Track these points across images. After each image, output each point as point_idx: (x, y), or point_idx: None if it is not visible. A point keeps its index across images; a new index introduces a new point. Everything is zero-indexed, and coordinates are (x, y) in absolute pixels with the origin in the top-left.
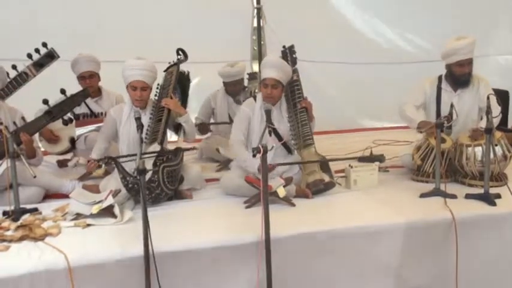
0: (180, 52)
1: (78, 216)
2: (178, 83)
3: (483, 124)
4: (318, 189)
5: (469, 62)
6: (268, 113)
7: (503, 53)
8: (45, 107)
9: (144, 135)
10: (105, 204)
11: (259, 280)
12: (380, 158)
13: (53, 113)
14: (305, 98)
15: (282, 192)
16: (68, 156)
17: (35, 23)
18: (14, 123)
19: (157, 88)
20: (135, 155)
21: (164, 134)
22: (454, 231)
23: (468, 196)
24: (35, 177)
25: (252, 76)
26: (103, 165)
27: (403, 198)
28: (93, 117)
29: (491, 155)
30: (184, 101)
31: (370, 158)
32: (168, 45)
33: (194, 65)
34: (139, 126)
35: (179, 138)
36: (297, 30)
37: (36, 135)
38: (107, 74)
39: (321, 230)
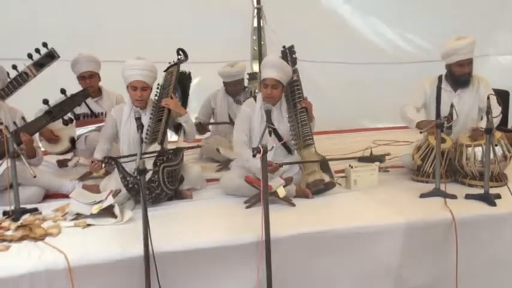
0: (181, 52)
1: (78, 216)
2: (179, 82)
3: (483, 124)
4: (318, 189)
5: (469, 62)
6: (268, 113)
7: (503, 53)
8: (46, 107)
9: (144, 135)
10: (105, 204)
11: (259, 280)
12: (380, 158)
13: (53, 113)
14: (305, 98)
15: (282, 192)
16: (68, 156)
17: (35, 23)
18: (14, 123)
19: (157, 88)
20: (136, 155)
21: (164, 134)
22: (454, 232)
23: (468, 196)
24: (35, 177)
25: (252, 76)
26: (103, 166)
27: (403, 199)
28: (94, 117)
29: (491, 155)
30: (184, 101)
31: (370, 158)
32: (168, 45)
33: (194, 65)
34: (140, 126)
35: (179, 138)
36: (297, 30)
37: (37, 135)
38: (107, 74)
39: (321, 230)
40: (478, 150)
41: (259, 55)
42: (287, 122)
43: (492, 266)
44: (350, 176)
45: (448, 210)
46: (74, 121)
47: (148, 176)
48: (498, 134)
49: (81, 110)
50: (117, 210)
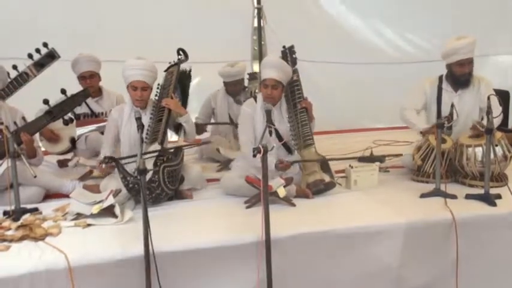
0: (181, 52)
1: (78, 216)
2: (178, 82)
3: (484, 123)
4: (318, 189)
5: (469, 62)
6: (268, 113)
7: (503, 53)
8: (46, 107)
9: (144, 135)
10: (105, 204)
11: (259, 280)
12: (380, 159)
13: (53, 112)
14: (305, 98)
15: (282, 192)
16: (69, 156)
17: (35, 23)
18: (15, 123)
19: (157, 88)
20: (136, 155)
21: (165, 134)
22: (454, 232)
23: (468, 196)
24: (35, 177)
25: (253, 76)
26: (103, 165)
27: (403, 199)
28: (94, 117)
29: (492, 156)
30: (184, 101)
31: (371, 158)
32: (168, 45)
33: (194, 65)
34: (140, 126)
35: (179, 138)
36: (297, 30)
37: (37, 135)
38: (107, 74)
39: (321, 230)
40: (479, 151)
41: (259, 55)
42: (287, 122)
43: (492, 266)
44: (350, 176)
45: (448, 210)
46: (74, 121)
47: (148, 176)
48: (498, 134)
49: (81, 110)
50: (117, 210)
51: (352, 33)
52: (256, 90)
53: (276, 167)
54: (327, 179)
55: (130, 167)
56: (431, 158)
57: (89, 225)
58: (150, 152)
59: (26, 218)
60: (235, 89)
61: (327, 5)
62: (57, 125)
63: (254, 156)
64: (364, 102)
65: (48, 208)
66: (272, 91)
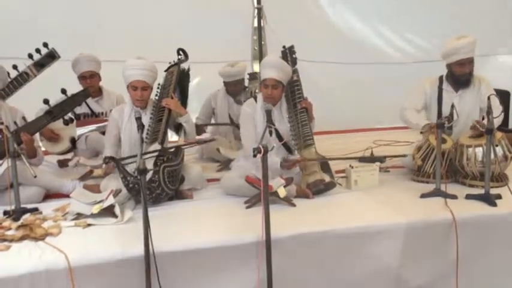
0: (181, 52)
1: (78, 216)
2: (177, 82)
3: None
4: (319, 189)
5: (469, 61)
6: (268, 113)
7: (503, 53)
8: (46, 107)
9: (144, 135)
10: (105, 204)
11: (260, 280)
12: (381, 159)
13: (53, 112)
14: (305, 98)
15: (282, 192)
16: (69, 156)
17: (35, 23)
18: (15, 123)
19: (157, 88)
20: (136, 155)
21: (165, 134)
22: (454, 232)
23: (469, 196)
24: (35, 177)
25: (253, 76)
26: (103, 165)
27: (403, 199)
28: (94, 117)
29: (492, 156)
30: (183, 101)
31: (371, 159)
32: (168, 45)
33: (194, 65)
34: (140, 126)
35: (179, 138)
36: (297, 30)
37: (37, 135)
38: (107, 74)
39: (321, 230)
40: (479, 151)
41: (259, 55)
42: (287, 122)
43: (492, 266)
44: (350, 176)
45: (448, 210)
46: (75, 121)
47: (148, 176)
48: (499, 135)
49: (81, 109)
50: (117, 210)
51: (352, 33)
52: (257, 90)
53: (282, 166)
54: (327, 179)
55: (131, 167)
56: (432, 158)
57: (89, 225)
58: (150, 152)
59: (26, 218)
60: (235, 89)
61: (327, 5)
62: (58, 124)
63: (254, 156)
64: (364, 102)
65: (48, 208)
66: (272, 91)
